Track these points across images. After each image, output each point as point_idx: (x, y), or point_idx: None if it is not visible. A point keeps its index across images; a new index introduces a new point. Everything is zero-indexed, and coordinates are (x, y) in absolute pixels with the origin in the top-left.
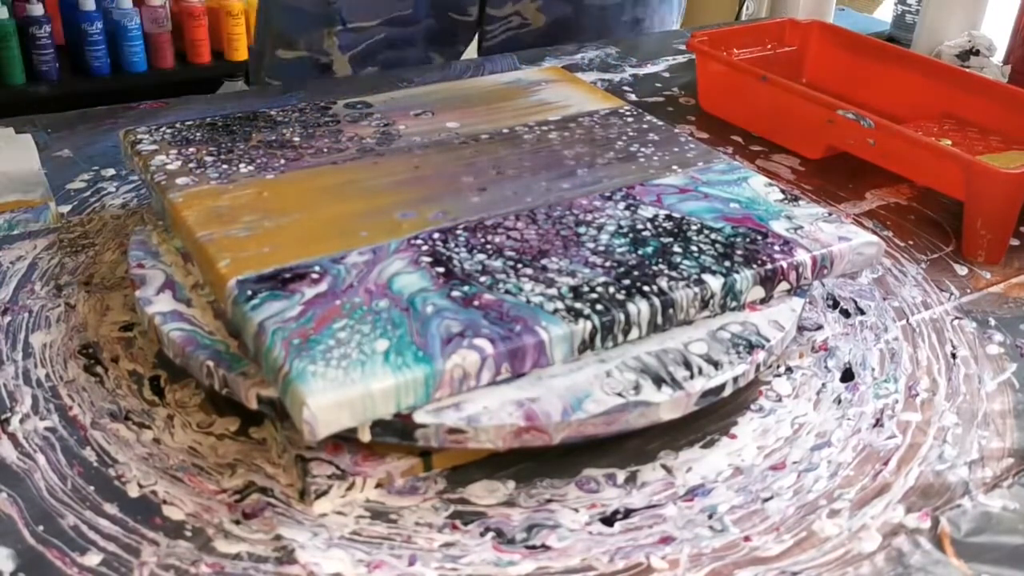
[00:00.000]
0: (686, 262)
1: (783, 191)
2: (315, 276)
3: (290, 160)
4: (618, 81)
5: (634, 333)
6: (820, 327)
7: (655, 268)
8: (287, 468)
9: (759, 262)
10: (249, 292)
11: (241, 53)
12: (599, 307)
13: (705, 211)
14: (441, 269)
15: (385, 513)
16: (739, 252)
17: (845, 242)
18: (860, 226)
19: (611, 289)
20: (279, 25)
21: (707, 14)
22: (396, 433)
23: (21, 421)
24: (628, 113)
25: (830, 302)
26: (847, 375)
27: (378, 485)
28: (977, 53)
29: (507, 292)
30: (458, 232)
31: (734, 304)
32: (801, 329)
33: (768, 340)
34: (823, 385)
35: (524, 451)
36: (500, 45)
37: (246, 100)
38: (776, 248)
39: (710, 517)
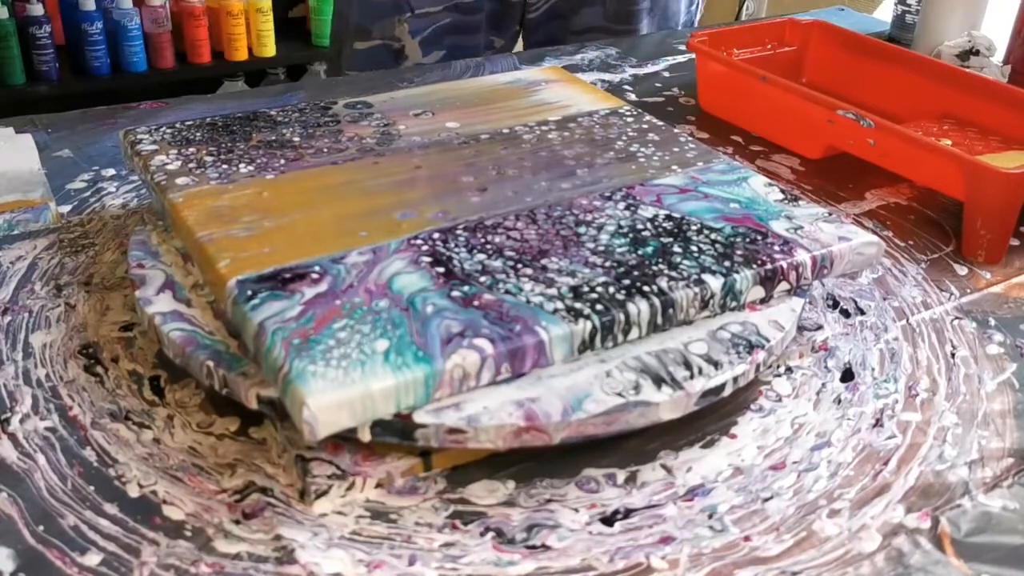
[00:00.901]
0: (686, 262)
1: (783, 191)
2: (315, 276)
3: (290, 160)
4: (618, 81)
5: (634, 333)
6: (820, 327)
7: (655, 268)
8: (287, 468)
9: (759, 262)
10: (249, 292)
11: (241, 53)
12: (599, 307)
13: (705, 211)
14: (441, 269)
15: (385, 513)
16: (739, 252)
17: (845, 242)
18: (860, 226)
19: (611, 289)
20: (356, 18)
21: (707, 14)
22: (396, 433)
23: (21, 421)
24: (628, 113)
25: (830, 302)
26: (847, 375)
27: (378, 485)
28: (977, 53)
29: (507, 292)
30: (458, 232)
31: (734, 304)
32: (801, 329)
33: (768, 340)
34: (823, 385)
35: (524, 451)
36: (545, 16)
37: (246, 100)
38: (776, 248)
39: (710, 517)
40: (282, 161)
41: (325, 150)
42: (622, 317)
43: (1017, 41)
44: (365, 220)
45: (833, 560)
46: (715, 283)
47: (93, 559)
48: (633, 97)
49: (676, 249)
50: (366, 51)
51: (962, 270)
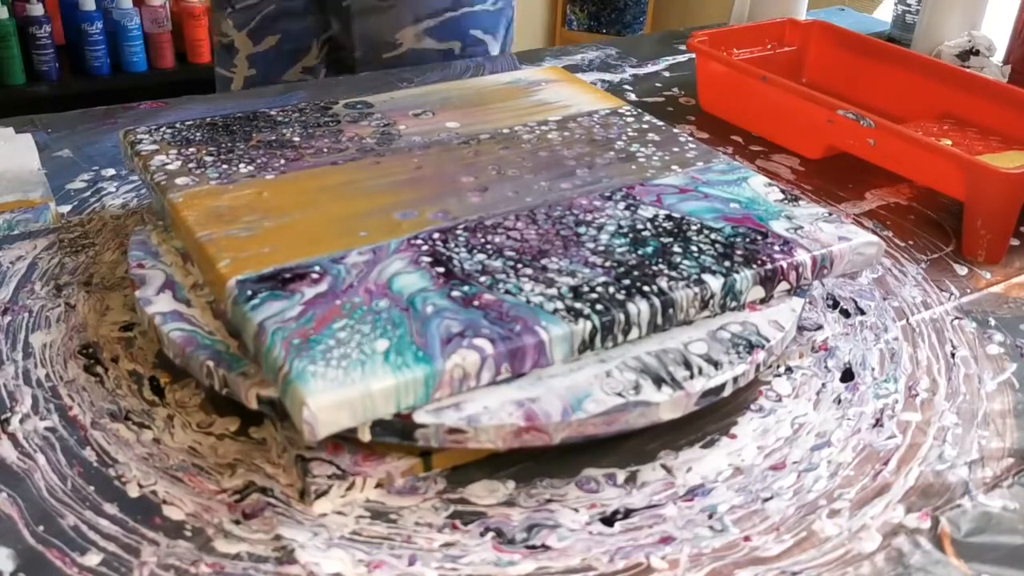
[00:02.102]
0: (686, 262)
1: (783, 191)
2: (315, 276)
3: (290, 160)
4: (618, 81)
5: (634, 333)
6: (820, 327)
7: (655, 268)
8: (287, 468)
9: (759, 262)
10: (249, 292)
11: None
12: (599, 307)
13: (705, 211)
14: (441, 269)
15: (385, 513)
16: (739, 252)
17: (845, 242)
18: (860, 226)
19: (611, 289)
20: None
21: (707, 14)
22: (396, 433)
23: (21, 421)
24: (628, 113)
25: (830, 302)
26: (847, 375)
27: (378, 485)
28: (977, 53)
29: (507, 292)
30: (458, 232)
31: (734, 304)
32: (801, 329)
33: (768, 340)
34: (823, 385)
35: (524, 451)
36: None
37: (246, 100)
38: (776, 248)
39: (710, 517)
40: (282, 161)
41: (325, 150)
42: (622, 317)
43: (1017, 41)
44: (365, 220)
45: (833, 560)
46: (715, 283)
47: (93, 559)
48: (633, 97)
49: (676, 249)
50: (214, 50)
51: (962, 270)
